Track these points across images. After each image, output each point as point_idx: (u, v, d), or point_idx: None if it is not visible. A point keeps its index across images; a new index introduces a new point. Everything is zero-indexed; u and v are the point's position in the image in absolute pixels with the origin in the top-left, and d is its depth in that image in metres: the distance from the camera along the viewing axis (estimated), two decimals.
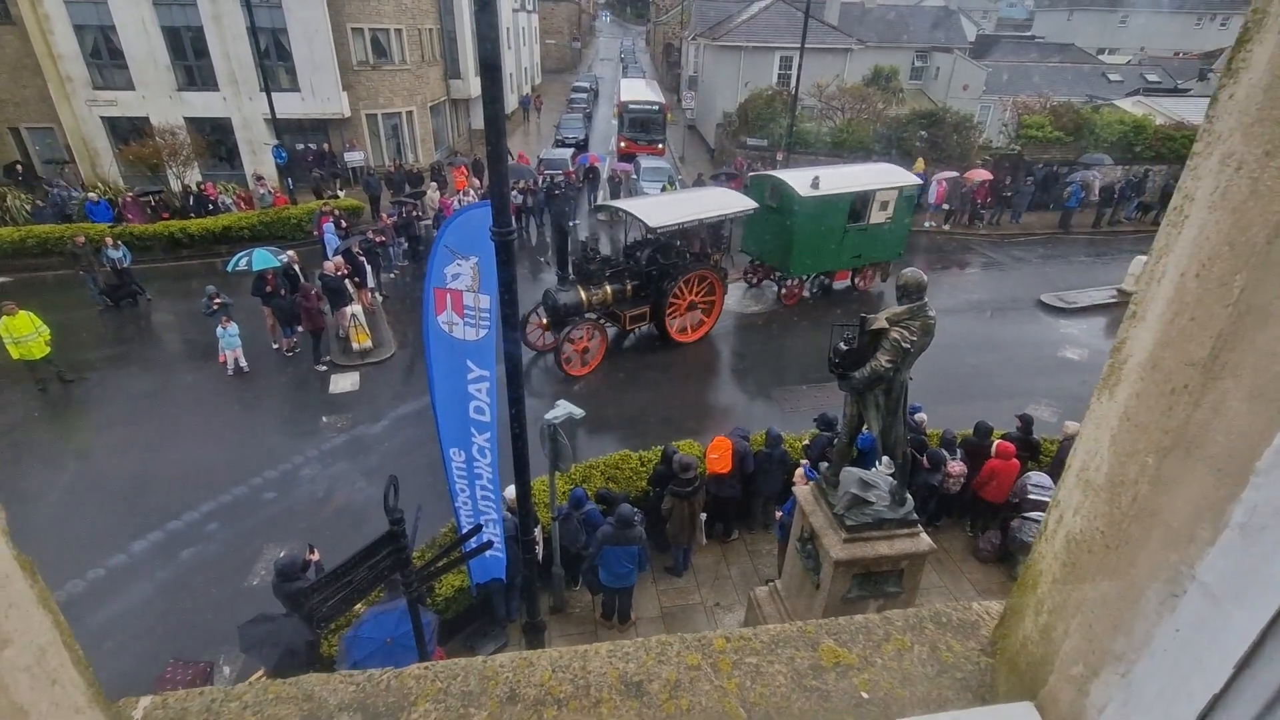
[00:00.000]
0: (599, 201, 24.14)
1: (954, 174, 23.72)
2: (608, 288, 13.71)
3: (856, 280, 17.96)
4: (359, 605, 6.99)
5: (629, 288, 14.09)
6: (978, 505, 9.29)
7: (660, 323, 14.36)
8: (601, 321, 14.03)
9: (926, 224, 23.99)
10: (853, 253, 16.94)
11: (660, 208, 13.96)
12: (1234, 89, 0.92)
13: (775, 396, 13.41)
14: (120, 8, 23.01)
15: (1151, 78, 37.09)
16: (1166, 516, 0.94)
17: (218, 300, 13.09)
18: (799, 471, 8.35)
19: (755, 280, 17.76)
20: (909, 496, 6.34)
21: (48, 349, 12.27)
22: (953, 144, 24.99)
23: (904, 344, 5.35)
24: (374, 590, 5.95)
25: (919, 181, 17.81)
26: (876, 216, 16.61)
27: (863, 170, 18.00)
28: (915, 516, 6.36)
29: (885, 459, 7.63)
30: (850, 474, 6.49)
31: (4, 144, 25.26)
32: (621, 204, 14.91)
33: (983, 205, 23.78)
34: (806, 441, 9.49)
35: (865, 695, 1.34)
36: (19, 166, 23.82)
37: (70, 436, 11.93)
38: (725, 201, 14.97)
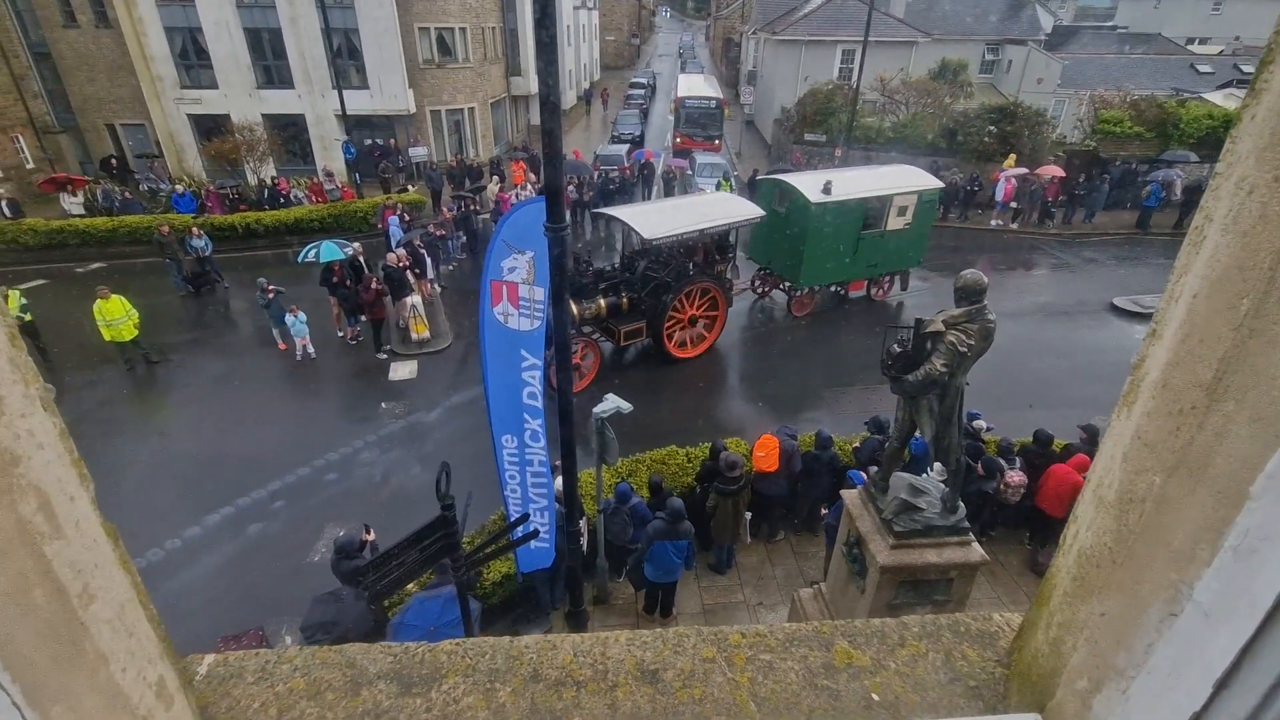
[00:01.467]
0: (655, 195, 24.21)
1: (1023, 171, 22.78)
2: (601, 301, 12.92)
3: (873, 290, 17.03)
4: (410, 585, 7.31)
5: (625, 301, 13.17)
6: (1036, 517, 8.96)
7: (658, 337, 13.49)
8: (595, 337, 13.25)
9: (993, 223, 23.17)
10: (868, 262, 15.90)
11: (659, 216, 13.05)
12: (1255, 110, 0.91)
13: (825, 398, 13.22)
14: (207, 11, 24.37)
15: (1247, 69, 34.60)
16: (1169, 536, 0.94)
17: (271, 290, 13.70)
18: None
19: (764, 290, 16.83)
20: (961, 504, 6.18)
21: (136, 331, 13.14)
22: (1024, 140, 23.97)
23: (960, 348, 5.20)
24: (425, 572, 6.21)
25: (940, 185, 16.60)
26: (894, 223, 15.52)
27: (879, 173, 16.96)
28: (967, 525, 6.20)
29: (937, 465, 7.46)
30: (900, 479, 6.37)
31: (101, 139, 27.17)
32: (616, 212, 13.95)
33: (1053, 204, 22.75)
34: (857, 444, 9.35)
35: (875, 697, 1.36)
36: (113, 160, 25.57)
37: (153, 414, 12.78)
38: (730, 210, 14.01)
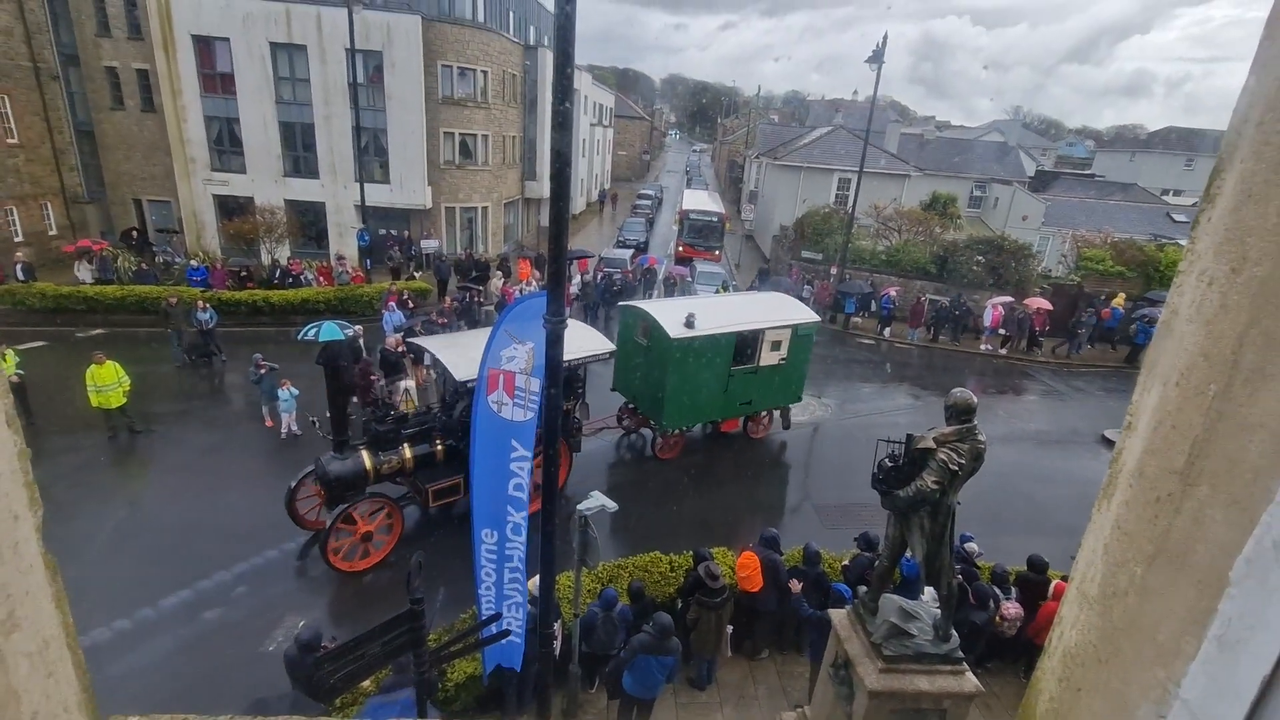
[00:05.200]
0: (655, 297, 24.82)
1: (1009, 299, 23.63)
2: (408, 451, 10.57)
3: (750, 427, 15.42)
4: (366, 683, 6.83)
5: (439, 450, 10.86)
6: (1032, 650, 8.55)
7: None
8: (396, 498, 10.69)
9: (983, 347, 23.73)
10: (741, 399, 14.28)
11: (479, 351, 10.58)
12: (1211, 212, 0.97)
13: (814, 511, 12.98)
14: (247, 104, 26.05)
15: None
16: (1154, 629, 0.90)
17: (264, 366, 13.74)
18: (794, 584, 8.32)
19: (632, 426, 14.73)
20: (954, 633, 5.92)
21: (124, 399, 13.04)
22: (1010, 270, 25.03)
23: (951, 466, 5.18)
24: (384, 667, 5.81)
25: (816, 319, 15.20)
26: (768, 358, 14.06)
27: (751, 303, 15.66)
28: (961, 654, 5.91)
29: (929, 590, 7.19)
30: (890, 602, 6.15)
31: (126, 212, 28.20)
32: (431, 346, 11.74)
33: (1040, 333, 23.44)
34: (846, 562, 9.08)
35: None
36: (134, 233, 26.42)
37: (126, 484, 12.43)
38: (575, 343, 11.81)
